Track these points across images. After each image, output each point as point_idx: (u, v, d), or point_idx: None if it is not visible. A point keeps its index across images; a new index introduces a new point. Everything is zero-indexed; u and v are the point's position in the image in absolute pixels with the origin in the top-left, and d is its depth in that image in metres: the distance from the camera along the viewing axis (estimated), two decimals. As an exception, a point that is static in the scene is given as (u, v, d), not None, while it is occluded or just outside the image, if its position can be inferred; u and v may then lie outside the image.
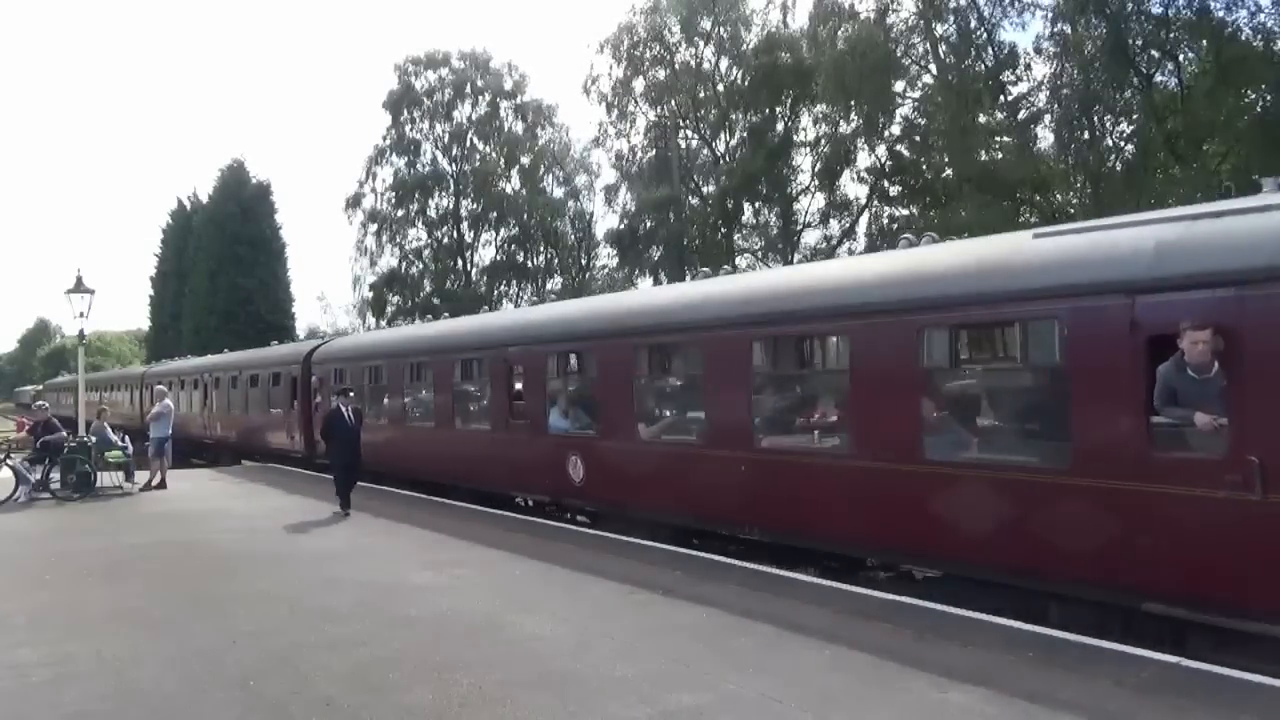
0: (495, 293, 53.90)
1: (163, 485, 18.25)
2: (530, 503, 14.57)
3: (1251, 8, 24.48)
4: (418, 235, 55.97)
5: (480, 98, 55.13)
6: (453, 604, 8.23)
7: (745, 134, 42.63)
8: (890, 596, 8.09)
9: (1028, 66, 31.14)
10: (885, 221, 38.14)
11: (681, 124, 45.13)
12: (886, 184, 38.14)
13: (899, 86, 34.78)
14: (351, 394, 15.83)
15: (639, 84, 45.57)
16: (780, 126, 41.75)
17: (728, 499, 10.23)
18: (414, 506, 15.04)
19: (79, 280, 20.59)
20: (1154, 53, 26.32)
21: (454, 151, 55.18)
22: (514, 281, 55.00)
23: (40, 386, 67.98)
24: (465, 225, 55.43)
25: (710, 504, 10.55)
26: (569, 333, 13.80)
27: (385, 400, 19.10)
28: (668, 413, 12.33)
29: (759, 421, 10.13)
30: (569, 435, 13.05)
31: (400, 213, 55.34)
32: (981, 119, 31.12)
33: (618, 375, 12.10)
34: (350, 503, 14.28)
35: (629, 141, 47.37)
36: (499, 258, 55.21)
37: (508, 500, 14.84)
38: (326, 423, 15.05)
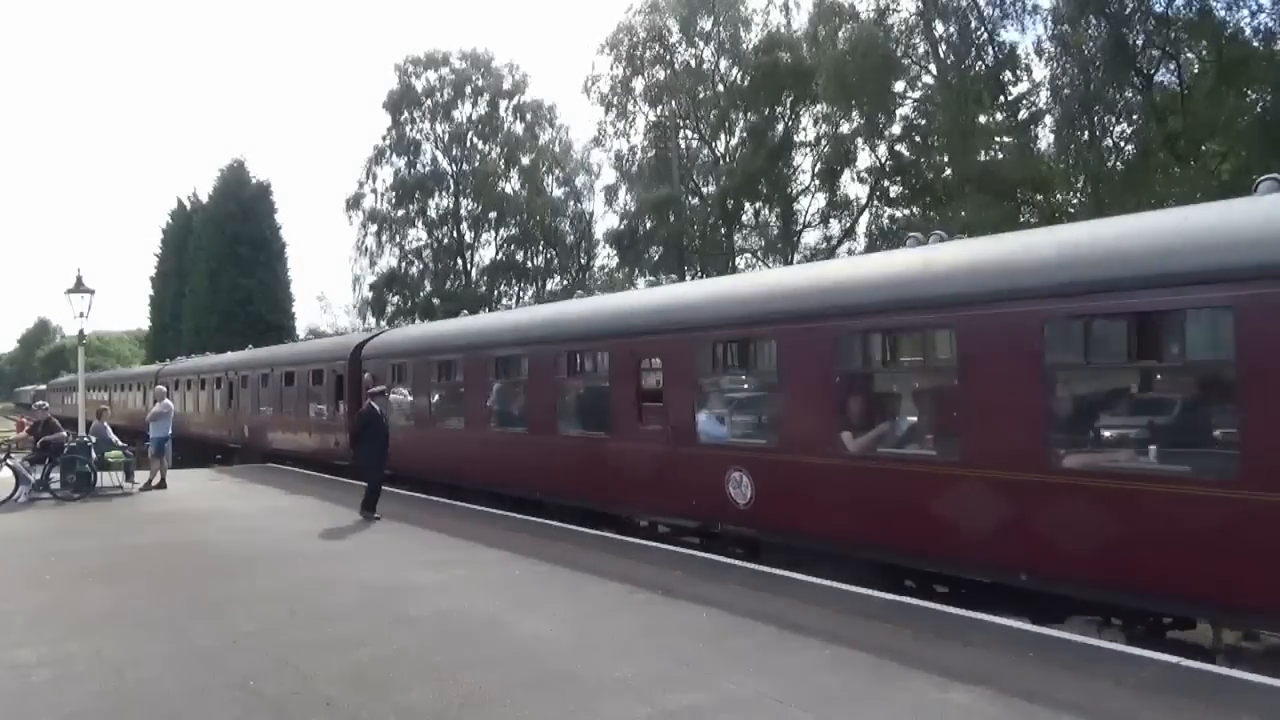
0: (495, 293, 53.95)
1: (163, 485, 18.25)
2: (660, 528, 12.22)
3: (1252, 8, 24.53)
4: (418, 235, 56.12)
5: (480, 98, 55.20)
6: (453, 604, 8.23)
7: (745, 134, 42.66)
8: (890, 596, 8.08)
9: (1028, 67, 31.23)
10: (886, 221, 38.23)
11: (681, 124, 45.14)
12: (887, 184, 38.17)
13: (899, 86, 34.82)
14: (386, 393, 14.87)
15: (639, 84, 45.65)
16: (780, 126, 41.78)
17: (999, 537, 7.51)
18: (414, 506, 15.02)
19: (79, 280, 20.60)
20: (1154, 53, 26.32)
21: (454, 151, 55.25)
22: (514, 281, 55.04)
23: (44, 386, 67.79)
24: (465, 225, 55.50)
25: (957, 541, 7.81)
26: (738, 315, 10.60)
27: (459, 402, 16.33)
28: (891, 419, 9.22)
29: (1057, 433, 7.47)
30: (729, 445, 10.50)
31: (400, 213, 55.40)
32: (982, 119, 31.11)
33: (810, 370, 9.31)
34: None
35: (629, 141, 47.47)
36: (499, 258, 55.26)
37: (626, 524, 12.31)
38: (360, 423, 14.02)
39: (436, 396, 17.18)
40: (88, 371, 51.76)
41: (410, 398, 18.06)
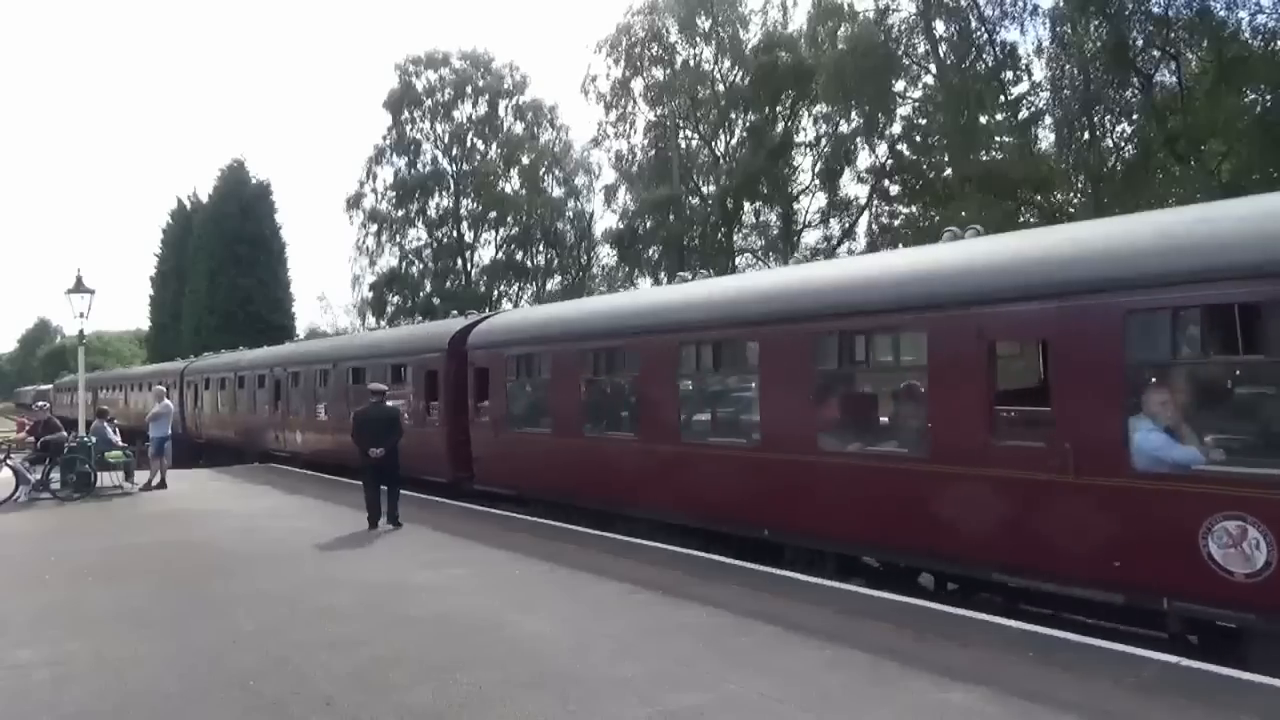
0: (495, 293, 53.97)
1: (163, 485, 18.27)
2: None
3: (1252, 8, 24.53)
4: (418, 235, 56.14)
5: (481, 98, 55.20)
6: (453, 604, 8.23)
7: (745, 134, 42.67)
8: (890, 596, 8.08)
9: (1028, 67, 31.25)
10: (886, 221, 38.26)
11: (681, 124, 45.14)
12: (887, 183, 38.19)
13: (899, 86, 34.84)
14: (385, 390, 13.39)
15: (638, 84, 45.69)
16: (780, 126, 41.78)
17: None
18: (414, 506, 14.99)
19: (79, 280, 20.59)
20: (1154, 53, 26.32)
21: (454, 151, 55.28)
22: (514, 281, 55.06)
23: (49, 386, 67.62)
24: (465, 225, 55.51)
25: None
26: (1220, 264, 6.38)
27: (625, 403, 12.51)
28: None
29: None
30: (1207, 476, 6.36)
31: (400, 213, 55.43)
32: (982, 119, 31.12)
33: None
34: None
35: (628, 141, 47.51)
36: (499, 257, 55.26)
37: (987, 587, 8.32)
38: (356, 424, 12.84)
39: (589, 396, 12.99)
40: (96, 371, 51.84)
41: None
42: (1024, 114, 31.54)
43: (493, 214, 54.24)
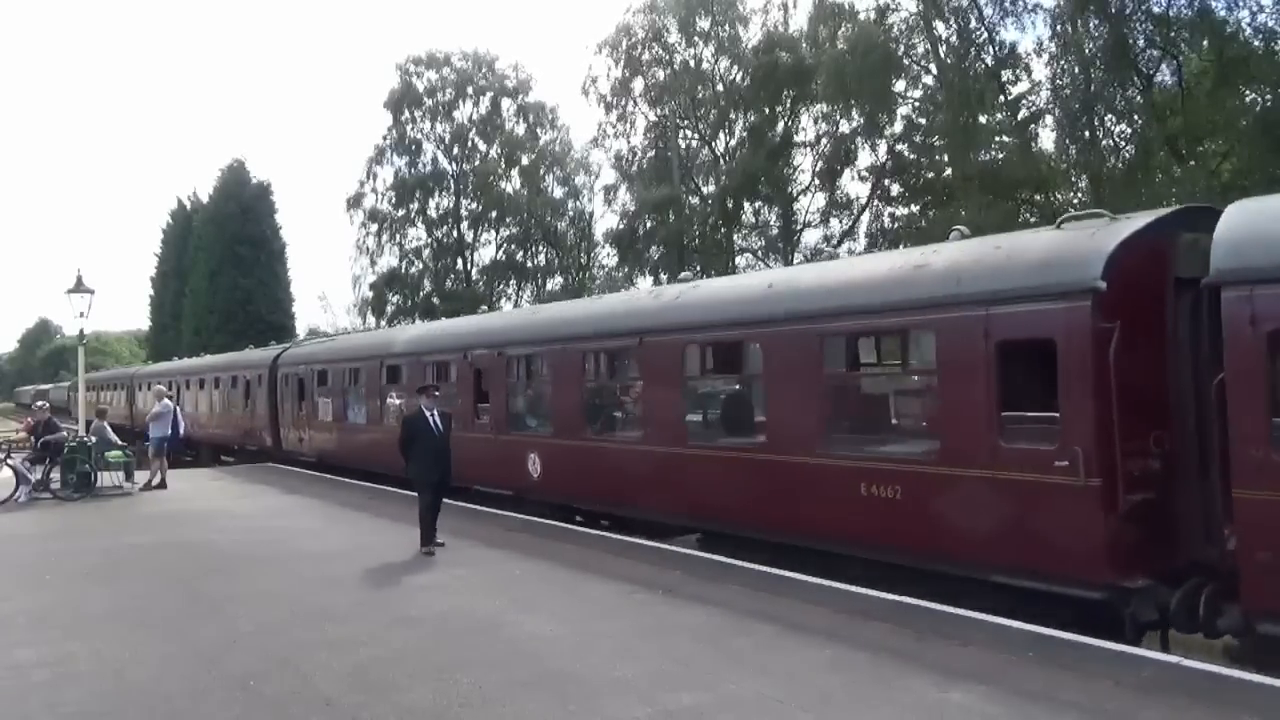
0: (495, 293, 53.94)
1: (163, 485, 18.27)
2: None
3: (1253, 7, 24.50)
4: (418, 235, 56.02)
5: (482, 97, 55.16)
6: (453, 604, 8.23)
7: (745, 134, 42.62)
8: (890, 596, 8.07)
9: (1028, 66, 31.23)
10: (886, 221, 38.25)
11: (681, 124, 45.12)
12: (887, 183, 38.18)
13: (899, 86, 34.81)
14: (437, 393, 11.95)
15: (638, 84, 45.61)
16: (780, 126, 41.75)
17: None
18: (414, 506, 15.00)
19: (79, 280, 20.61)
20: (1154, 52, 26.31)
21: (455, 151, 55.18)
22: (514, 281, 55.03)
23: (66, 384, 67.29)
24: (465, 225, 55.41)
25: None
26: None
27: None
28: None
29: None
30: None
31: (400, 212, 55.35)
32: (982, 118, 31.10)
33: None
34: (436, 535, 11.06)
35: (629, 142, 47.42)
36: (499, 257, 55.22)
37: None
38: (406, 430, 11.34)
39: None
40: (151, 365, 51.36)
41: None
42: (1024, 113, 31.51)
43: (493, 214, 54.19)
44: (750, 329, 10.37)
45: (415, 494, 11.48)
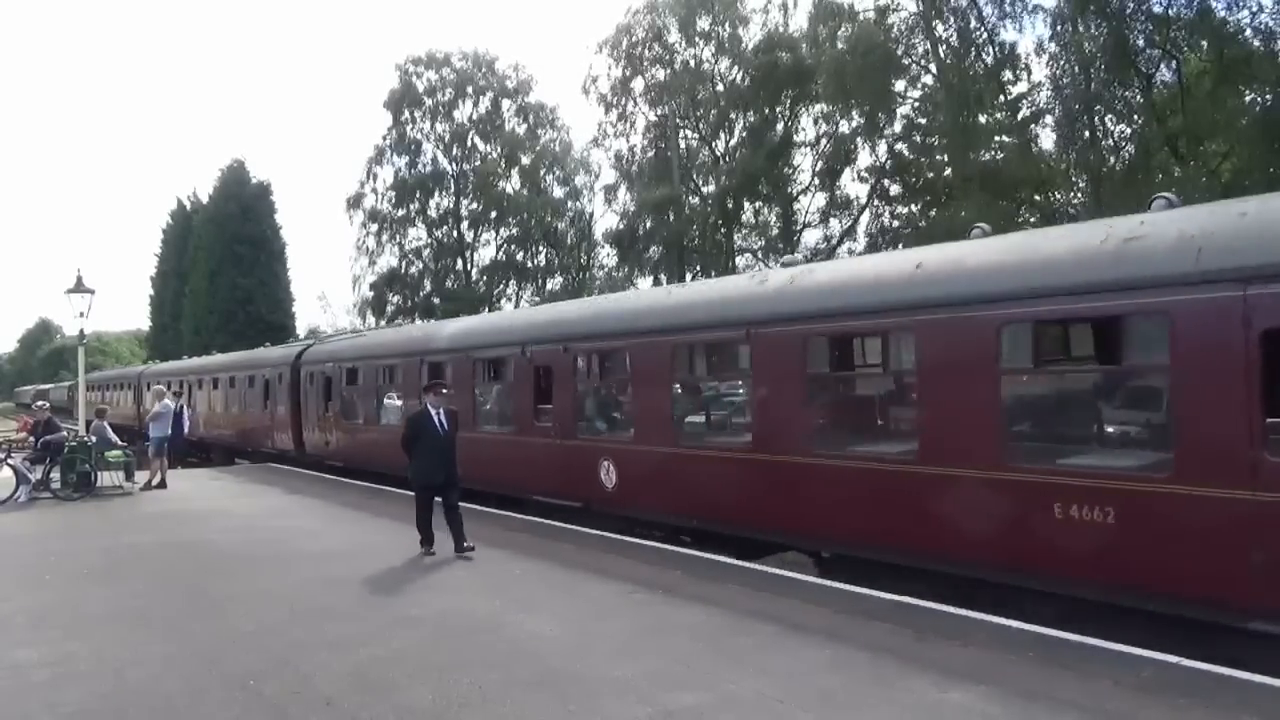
0: (495, 293, 53.96)
1: (163, 485, 18.26)
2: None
3: (1253, 7, 24.52)
4: (418, 235, 56.12)
5: (481, 97, 55.18)
6: (453, 604, 8.23)
7: (745, 134, 42.66)
8: (890, 596, 8.06)
9: (1028, 66, 31.24)
10: (886, 220, 38.25)
11: (681, 124, 45.13)
12: (887, 183, 38.20)
13: (899, 86, 34.83)
14: (445, 390, 11.70)
15: (638, 84, 45.67)
16: (780, 126, 41.80)
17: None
18: (413, 506, 15.00)
19: (79, 280, 20.62)
20: (1154, 52, 26.31)
21: (454, 151, 55.22)
22: (514, 281, 55.05)
23: (67, 384, 67.21)
24: (465, 225, 55.46)
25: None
26: None
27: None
28: None
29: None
30: None
31: (400, 212, 55.40)
32: (982, 118, 31.12)
33: None
34: (434, 538, 10.80)
35: (629, 141, 47.49)
36: (499, 257, 55.26)
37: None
38: (410, 428, 11.16)
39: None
40: (169, 363, 50.90)
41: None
42: (1024, 113, 31.53)
43: (493, 214, 54.22)
44: (891, 317, 8.73)
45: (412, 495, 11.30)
